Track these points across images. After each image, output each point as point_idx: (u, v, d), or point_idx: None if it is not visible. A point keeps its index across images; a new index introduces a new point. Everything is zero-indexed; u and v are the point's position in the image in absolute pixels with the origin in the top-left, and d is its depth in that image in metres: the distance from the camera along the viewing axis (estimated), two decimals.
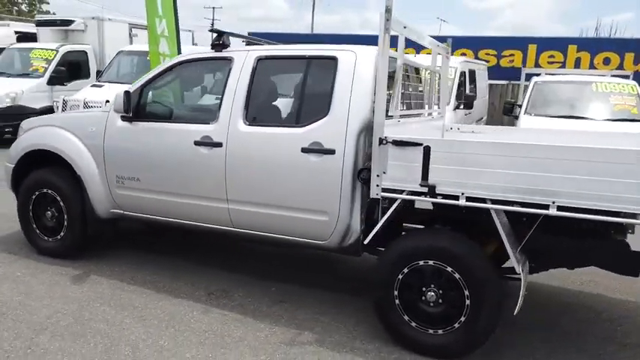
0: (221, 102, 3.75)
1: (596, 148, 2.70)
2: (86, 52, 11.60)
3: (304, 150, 3.45)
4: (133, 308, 3.68)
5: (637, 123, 7.33)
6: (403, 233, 3.60)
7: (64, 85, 10.83)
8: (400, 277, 3.23)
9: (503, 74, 12.80)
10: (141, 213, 4.21)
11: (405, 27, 3.44)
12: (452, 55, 12.51)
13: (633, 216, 2.74)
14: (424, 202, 3.20)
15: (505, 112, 8.81)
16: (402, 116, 3.76)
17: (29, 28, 13.20)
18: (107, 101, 7.65)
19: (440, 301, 3.17)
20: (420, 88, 4.42)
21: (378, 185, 3.22)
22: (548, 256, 3.31)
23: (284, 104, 3.74)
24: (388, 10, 3.01)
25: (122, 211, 4.29)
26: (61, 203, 4.39)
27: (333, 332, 3.48)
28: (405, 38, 3.51)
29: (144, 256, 4.63)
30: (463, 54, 13.02)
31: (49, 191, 4.43)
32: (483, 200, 2.98)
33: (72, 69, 11.18)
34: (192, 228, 4.06)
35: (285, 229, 3.65)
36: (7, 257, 4.50)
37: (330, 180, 3.40)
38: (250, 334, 3.40)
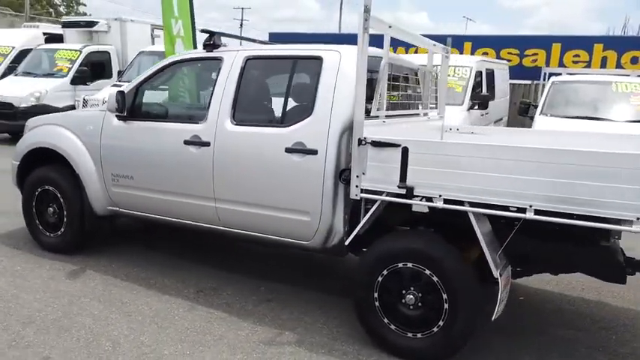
0: (210, 101, 3.79)
1: (572, 151, 2.61)
2: (109, 53, 11.88)
3: (288, 150, 3.45)
4: (122, 304, 3.75)
5: None
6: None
7: (86, 84, 11.14)
8: (380, 279, 3.19)
9: (526, 74, 12.51)
10: (135, 211, 4.29)
11: (389, 26, 3.40)
12: (472, 54, 12.36)
13: (617, 222, 2.62)
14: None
15: (520, 113, 8.60)
16: (390, 117, 3.73)
17: (57, 29, 13.62)
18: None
19: (419, 304, 3.12)
20: (417, 89, 4.36)
21: (357, 186, 3.19)
22: (531, 261, 3.22)
23: (271, 104, 3.75)
24: (367, 10, 2.98)
25: (118, 209, 4.38)
26: (61, 200, 4.51)
27: (314, 333, 3.47)
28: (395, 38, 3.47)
29: (141, 253, 4.72)
30: (484, 53, 12.81)
31: (51, 188, 4.56)
32: (462, 203, 2.92)
33: (95, 69, 11.47)
34: (184, 226, 4.11)
35: (269, 228, 3.66)
36: (10, 252, 4.65)
37: (313, 180, 3.39)
38: (231, 333, 3.42)
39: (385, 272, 3.17)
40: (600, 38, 12.52)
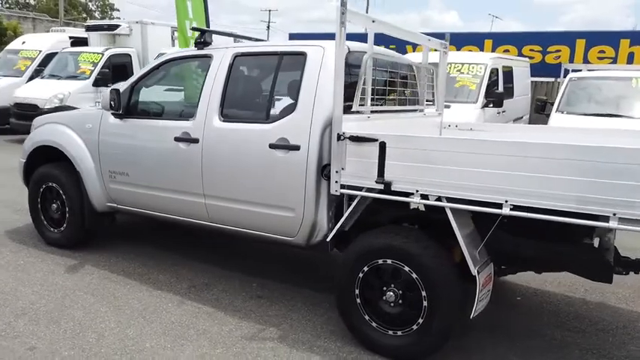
0: (199, 98, 3.83)
1: (544, 144, 2.53)
2: (130, 55, 12.13)
3: (272, 146, 3.46)
4: (114, 298, 3.82)
5: None
6: None
7: (108, 86, 11.37)
8: (361, 275, 3.16)
9: (549, 71, 12.18)
10: (132, 207, 4.37)
11: (373, 21, 3.37)
12: (493, 51, 12.11)
13: (596, 218, 2.53)
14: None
15: (537, 110, 8.39)
16: (378, 112, 3.69)
17: (82, 33, 13.98)
18: None
19: (399, 301, 3.08)
20: (412, 86, 4.30)
21: (337, 181, 3.17)
22: (513, 259, 3.13)
23: (257, 100, 3.76)
24: (343, 4, 2.96)
25: (116, 205, 4.47)
26: (64, 196, 4.63)
27: (299, 329, 3.46)
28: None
29: (141, 249, 4.80)
30: (506, 51, 12.53)
31: (54, 185, 4.69)
32: (439, 198, 2.87)
33: (117, 71, 11.71)
34: (178, 222, 4.16)
35: (255, 224, 3.67)
36: (16, 246, 4.81)
37: (295, 176, 3.39)
38: (216, 327, 3.44)
39: (366, 269, 3.14)
40: (627, 33, 12.05)
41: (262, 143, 3.49)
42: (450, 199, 2.84)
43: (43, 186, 4.77)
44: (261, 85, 3.75)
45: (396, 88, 3.86)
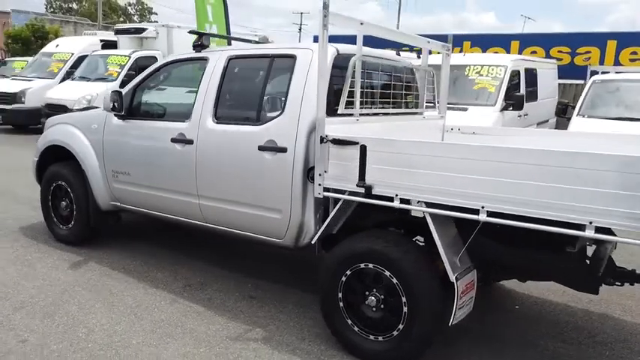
0: (195, 100, 3.89)
1: (520, 149, 2.46)
2: (156, 57, 12.40)
3: (260, 148, 3.48)
4: (110, 294, 3.92)
5: None
6: None
7: None
8: (344, 279, 3.15)
9: (578, 73, 11.82)
10: (133, 206, 4.48)
11: (361, 23, 3.35)
12: (520, 53, 11.84)
13: (579, 227, 2.43)
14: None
15: (558, 114, 8.14)
16: (371, 115, 3.67)
17: (113, 36, 14.41)
18: None
19: (381, 306, 3.04)
20: (412, 88, 4.26)
21: (320, 184, 3.17)
22: (496, 266, 3.05)
23: (249, 102, 3.78)
24: (325, 6, 2.96)
25: (119, 204, 4.58)
26: (72, 194, 4.78)
27: (285, 331, 3.47)
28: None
29: (145, 248, 4.90)
30: (533, 52, 12.25)
31: (63, 183, 4.85)
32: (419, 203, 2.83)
33: None
34: (175, 222, 4.24)
35: (246, 225, 3.70)
36: (27, 242, 4.99)
37: (282, 178, 3.40)
38: (203, 327, 3.48)
39: (349, 272, 3.12)
40: None
41: (252, 145, 3.52)
42: (429, 204, 2.80)
43: (54, 184, 4.93)
44: (253, 87, 3.78)
45: (391, 91, 3.82)
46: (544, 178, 2.38)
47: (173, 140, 3.94)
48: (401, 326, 2.95)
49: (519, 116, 8.60)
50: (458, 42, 13.09)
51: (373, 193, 2.96)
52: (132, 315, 3.61)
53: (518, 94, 8.15)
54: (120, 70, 11.82)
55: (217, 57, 3.86)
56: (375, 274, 3.02)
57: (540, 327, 3.73)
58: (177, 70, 4.28)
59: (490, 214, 2.58)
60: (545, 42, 12.29)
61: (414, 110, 4.24)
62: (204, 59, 3.93)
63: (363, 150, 2.93)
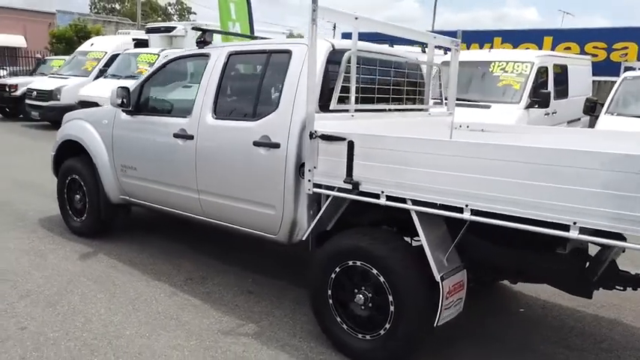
0: (196, 96, 3.92)
1: (504, 146, 2.37)
2: None
3: (255, 143, 3.49)
4: (113, 286, 4.01)
5: None
6: None
7: None
8: (333, 276, 3.12)
9: (614, 70, 11.34)
10: (141, 200, 4.56)
11: (356, 18, 3.30)
12: (553, 49, 11.45)
13: (566, 228, 2.32)
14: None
15: (586, 112, 7.81)
16: (367, 111, 3.62)
17: (144, 35, 14.74)
18: None
19: (369, 304, 3.00)
20: (417, 84, 4.17)
21: (309, 180, 3.14)
22: (487, 267, 2.95)
23: (247, 98, 3.79)
24: (314, 1, 2.92)
25: (128, 198, 4.68)
26: (84, 188, 4.91)
27: (277, 327, 3.47)
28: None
29: (153, 241, 4.99)
30: (567, 48, 11.83)
31: (77, 177, 4.99)
32: (405, 200, 2.77)
33: None
34: (178, 216, 4.29)
35: (242, 220, 3.72)
36: (44, 233, 5.16)
37: (276, 174, 3.39)
38: (197, 320, 3.52)
39: (338, 269, 3.09)
40: None
41: (247, 140, 3.52)
42: (415, 202, 2.73)
43: (69, 178, 5.08)
44: (250, 83, 3.79)
45: (390, 87, 3.75)
46: (527, 176, 2.28)
47: (175, 135, 3.99)
48: (388, 325, 2.90)
49: (546, 114, 8.31)
50: (488, 38, 12.81)
51: (360, 189, 2.92)
52: (130, 306, 3.68)
53: (544, 92, 7.88)
54: (149, 68, 12.06)
55: (218, 53, 3.88)
56: (363, 272, 2.98)
57: (544, 331, 3.59)
58: (182, 66, 4.33)
59: (474, 212, 2.49)
60: (580, 37, 11.84)
61: (418, 107, 4.15)
62: (207, 55, 3.96)
63: (351, 146, 2.88)
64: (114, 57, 13.58)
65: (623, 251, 3.04)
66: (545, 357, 3.23)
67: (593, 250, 2.93)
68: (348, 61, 3.36)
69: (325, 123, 3.12)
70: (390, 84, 3.75)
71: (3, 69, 21.10)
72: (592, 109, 7.58)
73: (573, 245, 2.58)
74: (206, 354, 3.12)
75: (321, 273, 3.16)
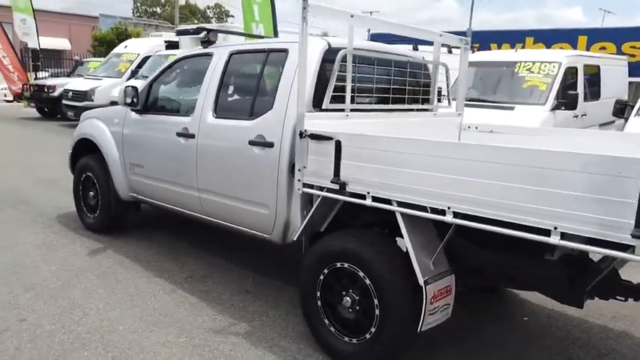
0: (198, 95, 3.95)
1: (482, 146, 2.27)
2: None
3: (250, 142, 3.48)
4: (115, 281, 4.08)
5: None
6: None
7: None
8: (321, 277, 3.07)
9: None
10: (148, 198, 4.63)
11: (352, 16, 3.25)
12: (587, 49, 11.04)
13: (547, 233, 2.20)
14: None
15: (615, 114, 7.47)
16: (365, 111, 3.56)
17: (175, 37, 15.02)
18: None
19: (356, 307, 2.94)
20: (422, 84, 4.08)
21: (299, 180, 3.11)
22: (477, 273, 2.84)
23: (245, 97, 3.79)
24: None
25: (137, 195, 4.76)
26: (97, 185, 5.03)
27: (268, 328, 3.44)
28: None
29: (162, 238, 5.06)
30: (602, 48, 11.38)
31: (91, 174, 5.11)
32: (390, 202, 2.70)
33: None
34: (182, 214, 4.34)
35: (239, 219, 3.72)
36: (59, 228, 5.31)
37: (269, 173, 3.38)
38: (191, 318, 3.53)
39: (326, 271, 3.04)
40: None
41: (243, 139, 3.52)
42: (400, 204, 2.66)
43: (83, 175, 5.21)
44: (249, 82, 3.79)
45: (390, 86, 3.67)
46: (508, 178, 2.18)
47: (178, 134, 4.03)
48: (373, 329, 2.83)
49: (575, 117, 8.00)
50: (520, 38, 12.44)
51: (347, 190, 2.86)
52: (128, 302, 3.73)
53: (571, 93, 7.58)
54: None
55: (221, 52, 3.90)
56: (351, 274, 2.92)
57: (546, 341, 3.44)
58: (188, 65, 4.37)
59: (456, 215, 2.41)
60: (617, 37, 11.36)
61: (422, 107, 4.05)
62: (210, 55, 3.99)
63: (338, 145, 2.84)
64: (146, 58, 13.90)
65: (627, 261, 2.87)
66: None
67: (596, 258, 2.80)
68: (344, 60, 3.31)
69: (318, 122, 3.08)
70: (391, 83, 3.68)
71: (46, 70, 21.93)
72: (622, 111, 7.26)
73: (563, 252, 2.45)
74: (194, 352, 3.13)
75: (311, 274, 3.12)
